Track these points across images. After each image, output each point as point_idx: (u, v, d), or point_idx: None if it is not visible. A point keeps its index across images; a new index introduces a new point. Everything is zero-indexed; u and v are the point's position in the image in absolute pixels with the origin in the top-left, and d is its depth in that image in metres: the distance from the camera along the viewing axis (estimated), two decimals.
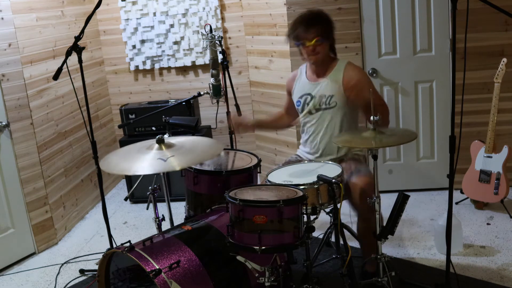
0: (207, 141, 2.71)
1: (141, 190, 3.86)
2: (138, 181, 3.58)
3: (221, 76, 3.70)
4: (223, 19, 4.71)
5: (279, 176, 2.69)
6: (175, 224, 2.79)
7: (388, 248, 3.36)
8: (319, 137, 3.01)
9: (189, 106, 3.73)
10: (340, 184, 2.47)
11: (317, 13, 2.93)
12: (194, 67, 4.86)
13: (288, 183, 2.53)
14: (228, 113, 3.79)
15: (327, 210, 3.05)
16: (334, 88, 2.92)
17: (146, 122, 4.44)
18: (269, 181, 2.60)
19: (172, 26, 4.72)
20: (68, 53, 2.83)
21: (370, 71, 4.07)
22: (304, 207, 2.28)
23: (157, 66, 4.88)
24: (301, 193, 2.29)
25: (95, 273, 3.28)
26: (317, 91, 2.97)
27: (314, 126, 3.03)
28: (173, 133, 3.09)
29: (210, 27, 3.79)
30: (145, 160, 2.46)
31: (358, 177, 2.79)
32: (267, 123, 3.48)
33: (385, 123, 2.90)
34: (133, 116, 4.48)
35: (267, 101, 4.58)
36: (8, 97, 3.53)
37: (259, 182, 3.04)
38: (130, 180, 4.52)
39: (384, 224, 2.69)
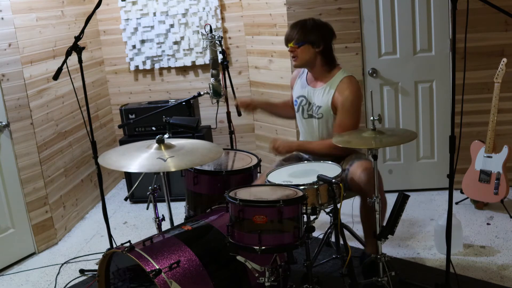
0: (207, 145, 2.72)
1: (141, 190, 3.87)
2: (138, 181, 3.58)
3: (221, 76, 3.70)
4: (223, 19, 4.71)
5: (279, 176, 2.69)
6: (175, 224, 2.79)
7: (388, 248, 3.37)
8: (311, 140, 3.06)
9: (189, 106, 3.74)
10: (340, 184, 2.48)
11: (307, 19, 2.96)
12: (194, 67, 4.86)
13: (288, 183, 2.53)
14: (228, 113, 3.80)
15: (327, 210, 3.06)
16: (323, 100, 2.97)
17: (146, 122, 4.44)
18: (269, 181, 2.61)
19: (172, 26, 4.72)
20: (68, 53, 2.83)
21: (370, 71, 4.07)
22: (304, 207, 2.28)
23: (157, 66, 4.87)
24: (301, 193, 2.29)
25: (95, 273, 3.28)
26: (311, 98, 3.03)
27: (306, 129, 3.11)
28: (173, 133, 3.09)
29: (210, 27, 3.79)
30: (144, 158, 2.46)
31: (360, 161, 2.88)
32: (274, 105, 3.46)
33: (316, 150, 2.99)
34: (133, 116, 4.48)
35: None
36: (8, 97, 3.53)
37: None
38: (130, 180, 4.52)
39: (384, 224, 2.69)
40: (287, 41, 2.96)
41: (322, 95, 2.97)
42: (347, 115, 2.90)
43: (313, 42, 2.91)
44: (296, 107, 3.13)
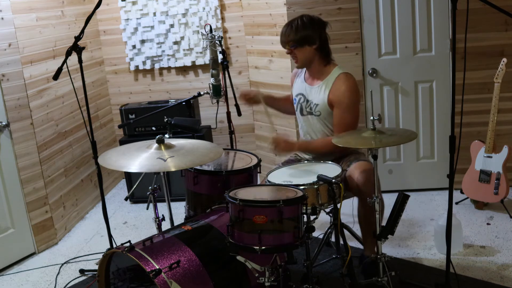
0: (207, 145, 2.72)
1: (141, 190, 3.86)
2: (138, 181, 3.57)
3: (221, 76, 3.70)
4: (223, 19, 4.71)
5: (279, 176, 2.69)
6: (175, 224, 2.79)
7: (388, 248, 3.37)
8: (311, 139, 3.05)
9: (189, 106, 3.74)
10: (340, 184, 2.48)
11: (297, 18, 2.93)
12: (194, 67, 4.86)
13: (288, 183, 2.53)
14: (228, 113, 3.80)
15: (327, 210, 3.06)
16: (320, 98, 2.96)
17: (146, 122, 4.44)
18: (269, 181, 2.61)
19: (172, 26, 4.72)
20: (68, 53, 2.83)
21: (370, 71, 4.07)
22: (304, 207, 2.28)
23: (157, 66, 4.88)
24: (301, 193, 2.29)
25: (95, 273, 3.28)
26: (309, 95, 3.03)
27: (306, 127, 3.11)
28: (173, 133, 3.09)
29: (210, 27, 3.78)
30: (144, 158, 2.46)
31: (359, 161, 2.87)
32: (277, 99, 3.41)
33: (318, 149, 2.98)
34: (133, 116, 4.48)
35: None
36: (8, 97, 3.53)
37: (259, 182, 3.05)
38: (130, 180, 4.52)
39: (383, 224, 2.69)
40: (283, 43, 2.95)
41: (319, 93, 2.96)
42: (346, 111, 2.86)
43: (308, 41, 2.89)
44: (295, 105, 3.14)
